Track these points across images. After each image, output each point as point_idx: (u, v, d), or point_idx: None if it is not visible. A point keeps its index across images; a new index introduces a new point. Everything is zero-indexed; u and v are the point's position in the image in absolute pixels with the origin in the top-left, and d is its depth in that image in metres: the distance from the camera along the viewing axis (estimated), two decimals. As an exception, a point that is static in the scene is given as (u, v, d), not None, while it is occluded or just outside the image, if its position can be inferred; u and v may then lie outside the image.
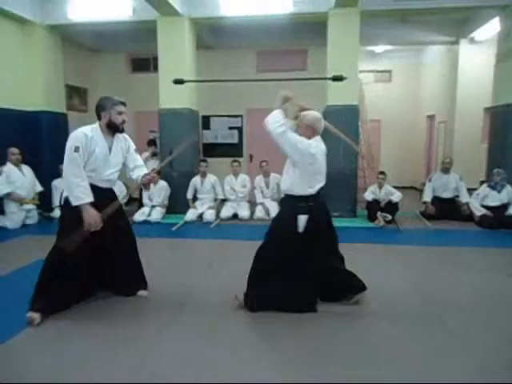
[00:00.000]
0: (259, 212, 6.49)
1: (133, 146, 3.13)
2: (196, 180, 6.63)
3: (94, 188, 2.82)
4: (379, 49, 9.37)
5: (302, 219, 2.82)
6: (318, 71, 7.22)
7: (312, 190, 2.86)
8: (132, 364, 2.26)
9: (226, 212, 6.52)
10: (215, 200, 6.74)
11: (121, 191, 6.62)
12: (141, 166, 3.10)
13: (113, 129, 2.91)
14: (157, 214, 6.28)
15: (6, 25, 6.40)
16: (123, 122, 2.93)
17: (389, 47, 9.22)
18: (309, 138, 2.89)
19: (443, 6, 6.19)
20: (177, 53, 6.62)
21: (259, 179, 6.81)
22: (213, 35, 8.04)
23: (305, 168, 2.82)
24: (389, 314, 2.93)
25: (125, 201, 6.60)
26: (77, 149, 2.70)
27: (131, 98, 8.66)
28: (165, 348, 2.44)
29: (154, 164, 7.10)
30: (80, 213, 2.71)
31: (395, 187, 6.50)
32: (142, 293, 3.22)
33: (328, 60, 6.39)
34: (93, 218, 2.70)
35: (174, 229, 5.79)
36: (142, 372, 2.18)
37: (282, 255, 2.87)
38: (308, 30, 7.51)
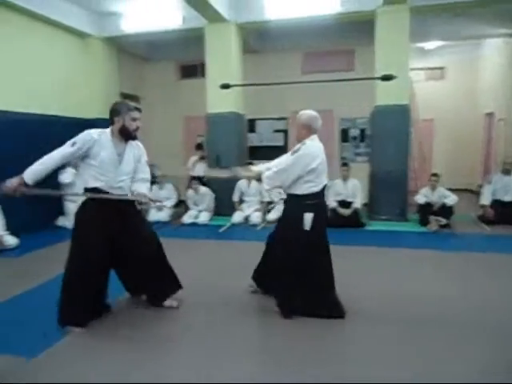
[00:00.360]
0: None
1: (145, 157, 3.00)
2: (242, 183, 6.71)
3: (105, 194, 2.74)
4: (430, 45, 8.95)
5: (308, 217, 2.79)
6: (365, 71, 7.04)
7: (317, 189, 2.84)
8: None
9: (273, 215, 6.53)
10: (261, 203, 6.78)
11: (171, 195, 6.91)
12: (145, 181, 2.98)
13: (125, 135, 2.78)
14: (204, 217, 6.45)
15: (68, 38, 6.88)
16: (137, 128, 2.80)
17: (440, 43, 8.78)
18: (304, 137, 2.89)
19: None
20: (224, 58, 6.77)
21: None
22: (258, 39, 8.12)
23: (314, 171, 2.79)
24: (438, 319, 2.81)
25: (173, 203, 6.88)
26: (73, 144, 2.64)
27: (180, 103, 9.06)
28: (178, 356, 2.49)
29: (202, 167, 7.29)
30: (95, 212, 2.71)
31: (449, 190, 6.17)
32: (171, 303, 3.11)
33: (376, 59, 6.23)
34: (10, 189, 2.53)
35: (220, 231, 5.90)
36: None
37: (294, 255, 2.84)
38: (354, 30, 7.35)
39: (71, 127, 6.91)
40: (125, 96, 8.52)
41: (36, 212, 5.65)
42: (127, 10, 6.93)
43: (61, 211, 6.20)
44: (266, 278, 3.17)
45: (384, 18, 6.10)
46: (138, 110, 2.81)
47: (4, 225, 4.99)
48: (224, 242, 5.35)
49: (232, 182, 6.70)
